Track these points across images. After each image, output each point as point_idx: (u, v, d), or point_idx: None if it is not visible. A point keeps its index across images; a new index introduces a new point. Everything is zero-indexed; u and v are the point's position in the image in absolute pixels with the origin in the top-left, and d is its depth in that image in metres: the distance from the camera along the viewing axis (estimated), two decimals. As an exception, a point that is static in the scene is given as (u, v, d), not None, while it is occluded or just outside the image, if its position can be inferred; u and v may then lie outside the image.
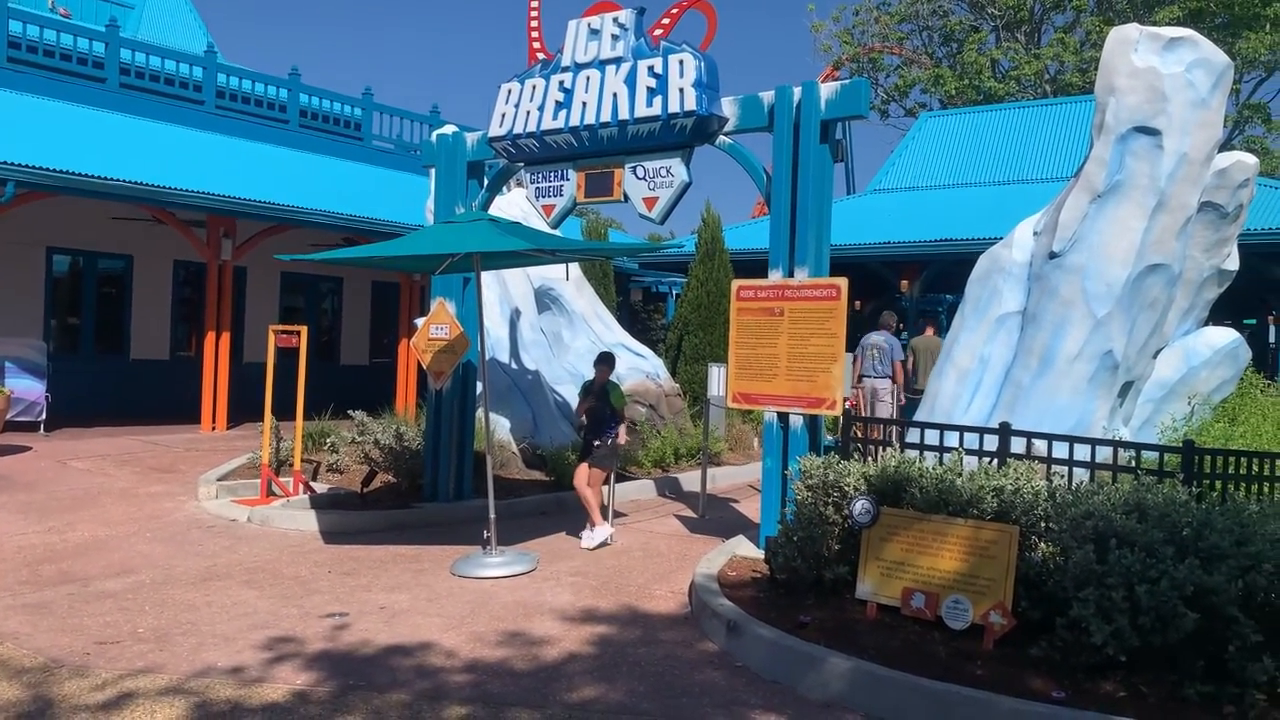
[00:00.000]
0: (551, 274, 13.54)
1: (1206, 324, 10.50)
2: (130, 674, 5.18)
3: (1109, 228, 8.34)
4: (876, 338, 13.32)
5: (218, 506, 9.80)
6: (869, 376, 13.17)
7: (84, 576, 7.15)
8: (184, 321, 18.45)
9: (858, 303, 25.95)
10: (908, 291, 21.27)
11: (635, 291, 30.09)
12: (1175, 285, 8.81)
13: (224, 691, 4.96)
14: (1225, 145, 23.07)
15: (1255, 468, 6.64)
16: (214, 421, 15.78)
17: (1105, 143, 8.47)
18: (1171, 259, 8.49)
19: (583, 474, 8.73)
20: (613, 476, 9.16)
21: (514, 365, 12.54)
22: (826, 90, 7.88)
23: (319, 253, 8.13)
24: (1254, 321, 27.87)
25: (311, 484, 10.42)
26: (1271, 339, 23.29)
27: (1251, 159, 9.64)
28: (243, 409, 16.12)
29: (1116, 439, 7.13)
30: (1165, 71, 8.31)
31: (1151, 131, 8.29)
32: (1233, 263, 10.11)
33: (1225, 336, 10.07)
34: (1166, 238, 8.39)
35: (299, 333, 10.19)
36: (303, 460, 10.69)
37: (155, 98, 18.33)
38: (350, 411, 12.27)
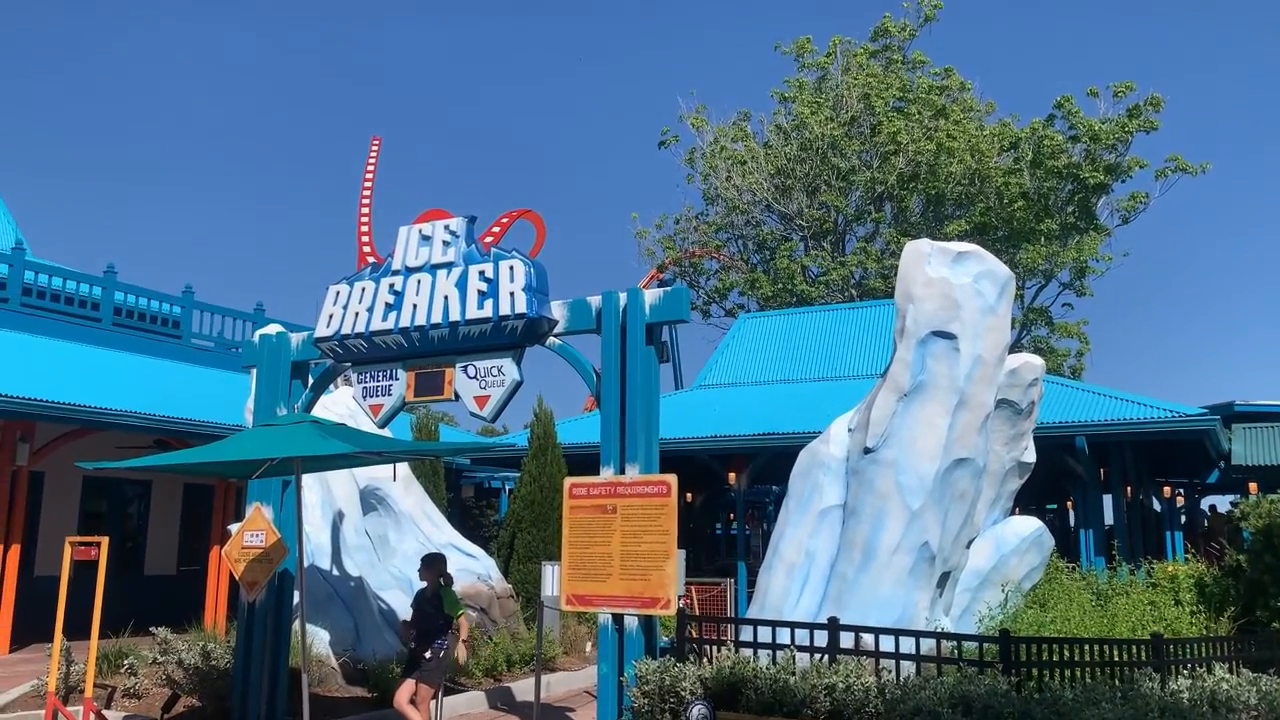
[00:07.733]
0: (378, 473, 13.19)
1: (1013, 512, 11.13)
2: None
3: (917, 425, 8.86)
4: None
5: (-9, 744, 8.75)
6: None
7: None
8: (-33, 532, 16.83)
9: (689, 494, 26.33)
10: (736, 483, 21.75)
11: (467, 488, 29.54)
12: (981, 477, 9.35)
13: None
14: (1015, 346, 25.13)
15: (1067, 653, 6.93)
16: (-5, 644, 14.26)
17: (907, 345, 9.10)
18: (976, 453, 9.05)
19: (406, 690, 8.17)
20: (440, 690, 8.70)
21: (335, 571, 11.96)
22: (650, 296, 8.21)
23: (127, 460, 7.71)
24: (1055, 506, 29.77)
25: (104, 712, 9.43)
26: (1072, 522, 24.79)
27: (1039, 360, 10.53)
28: (32, 628, 14.61)
29: (939, 630, 7.34)
30: (956, 282, 9.10)
31: (948, 335, 8.98)
32: (1030, 455, 10.85)
33: (1029, 525, 10.68)
34: (969, 433, 8.96)
35: (99, 544, 9.45)
36: (96, 685, 9.70)
37: (-47, 295, 17.36)
38: (153, 628, 11.32)
